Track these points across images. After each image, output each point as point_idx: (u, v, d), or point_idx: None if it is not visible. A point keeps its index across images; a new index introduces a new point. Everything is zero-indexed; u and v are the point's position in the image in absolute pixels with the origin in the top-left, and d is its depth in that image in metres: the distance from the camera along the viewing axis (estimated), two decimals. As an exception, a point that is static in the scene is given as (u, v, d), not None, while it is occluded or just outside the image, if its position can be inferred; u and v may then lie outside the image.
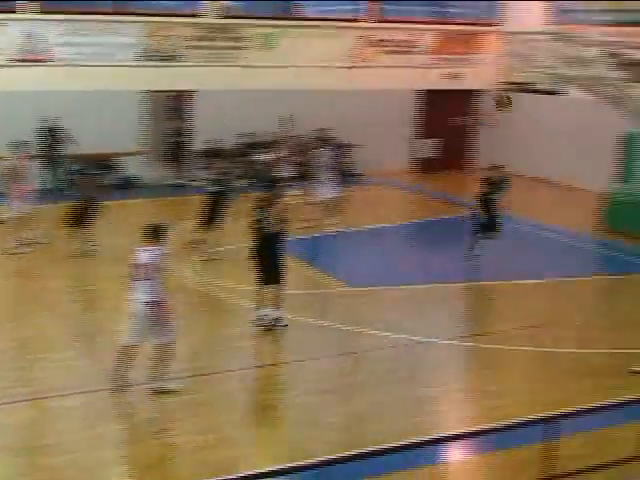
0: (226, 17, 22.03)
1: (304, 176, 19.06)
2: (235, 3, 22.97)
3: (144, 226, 9.56)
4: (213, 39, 21.87)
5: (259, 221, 11.61)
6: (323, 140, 19.75)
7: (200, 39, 21.73)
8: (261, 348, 11.26)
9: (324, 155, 17.96)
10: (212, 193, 15.13)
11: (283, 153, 21.07)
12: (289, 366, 10.77)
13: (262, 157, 22.10)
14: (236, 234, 14.85)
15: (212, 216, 15.02)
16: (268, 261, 11.62)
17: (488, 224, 15.18)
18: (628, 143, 17.86)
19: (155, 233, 9.48)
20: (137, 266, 9.35)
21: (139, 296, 9.35)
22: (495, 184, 15.26)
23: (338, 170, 18.30)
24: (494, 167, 15.55)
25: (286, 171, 20.43)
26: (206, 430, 8.86)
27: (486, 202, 15.18)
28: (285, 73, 22.31)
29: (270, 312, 11.64)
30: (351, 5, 24.18)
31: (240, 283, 13.25)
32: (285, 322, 11.72)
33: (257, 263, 11.68)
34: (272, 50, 22.48)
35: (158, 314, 9.33)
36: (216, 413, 9.34)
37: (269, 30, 22.41)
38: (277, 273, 11.64)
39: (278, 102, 22.00)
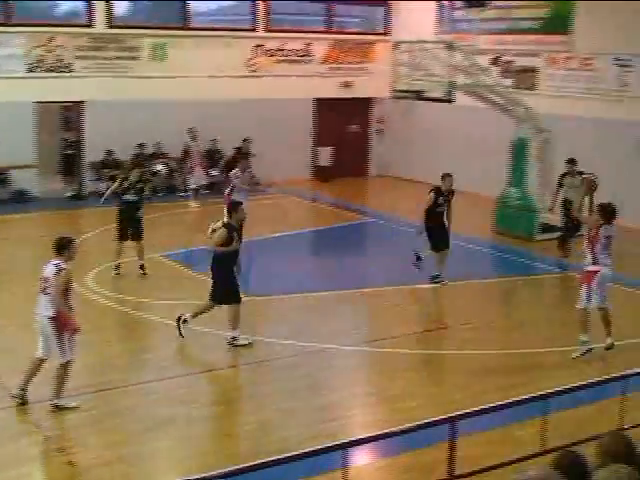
0: (117, 27, 21.75)
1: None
2: (127, 13, 22.80)
3: (54, 239, 9.43)
4: (104, 49, 21.55)
5: None
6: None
7: (90, 49, 21.38)
8: (165, 361, 11.12)
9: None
10: (126, 204, 14.73)
11: (190, 163, 21.04)
12: (193, 378, 10.67)
13: (160, 167, 21.97)
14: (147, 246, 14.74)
15: (124, 228, 14.72)
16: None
17: (439, 238, 14.62)
18: (514, 149, 18.40)
19: (59, 246, 9.35)
20: (43, 279, 9.25)
21: (42, 310, 9.24)
22: (444, 195, 14.69)
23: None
24: (446, 175, 14.89)
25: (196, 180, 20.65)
26: (109, 446, 8.72)
27: (437, 215, 14.64)
28: (179, 83, 22.17)
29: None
30: (244, 15, 24.21)
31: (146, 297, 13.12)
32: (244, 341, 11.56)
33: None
34: (163, 60, 22.30)
35: (58, 329, 9.18)
36: (119, 428, 9.20)
37: (160, 40, 22.22)
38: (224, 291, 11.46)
39: (173, 112, 21.86)
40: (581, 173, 16.50)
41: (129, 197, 14.65)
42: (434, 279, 14.67)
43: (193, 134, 21.15)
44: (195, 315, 11.59)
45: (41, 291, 9.30)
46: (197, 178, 21.08)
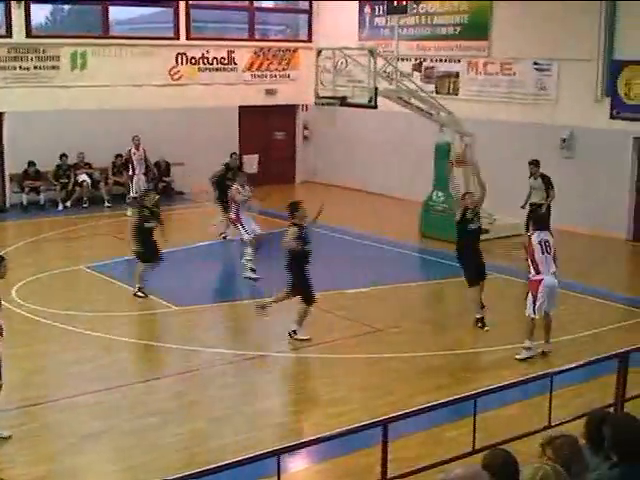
0: (35, 37, 21.40)
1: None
2: (46, 22, 22.47)
3: None
4: (22, 59, 21.18)
5: None
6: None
7: (9, 59, 20.99)
8: (92, 373, 10.96)
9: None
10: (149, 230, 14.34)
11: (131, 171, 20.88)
12: (122, 389, 10.54)
13: (84, 178, 21.68)
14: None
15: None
16: None
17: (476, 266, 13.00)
18: (437, 153, 18.65)
19: None
20: None
21: None
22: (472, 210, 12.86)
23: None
24: (467, 194, 13.54)
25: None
26: (38, 461, 8.56)
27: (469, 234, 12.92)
28: (101, 93, 21.92)
29: None
30: (165, 24, 24.06)
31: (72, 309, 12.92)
32: None
33: None
34: (84, 70, 22.02)
35: None
36: (48, 443, 9.04)
37: (80, 49, 21.92)
38: None
39: (96, 122, 21.63)
40: (543, 175, 16.86)
41: (152, 224, 14.28)
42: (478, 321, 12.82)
43: (136, 142, 20.91)
44: (299, 321, 12.14)
45: None
46: (137, 186, 20.83)
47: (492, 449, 5.35)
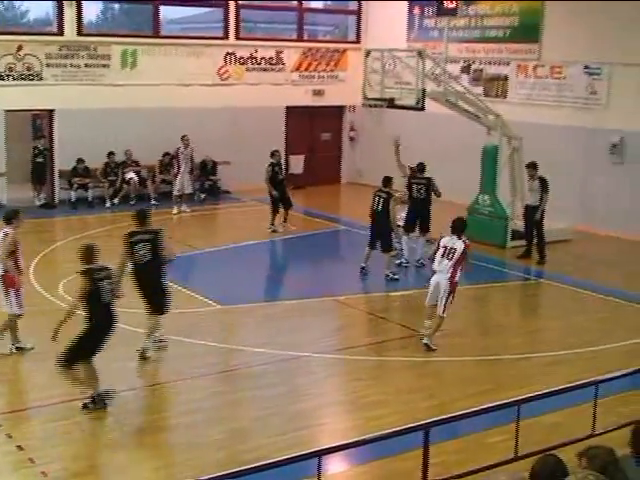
0: (87, 35, 21.64)
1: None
2: (97, 20, 22.72)
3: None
4: (74, 57, 21.42)
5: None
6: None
7: (60, 57, 21.24)
8: (135, 370, 11.04)
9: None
10: None
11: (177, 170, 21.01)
12: (164, 387, 10.62)
13: (131, 175, 21.88)
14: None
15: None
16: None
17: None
18: (484, 156, 18.50)
19: (8, 217, 11.29)
20: None
21: None
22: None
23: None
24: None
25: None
26: (79, 457, 8.65)
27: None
28: (149, 91, 22.10)
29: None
30: (215, 24, 24.20)
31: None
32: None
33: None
34: (134, 68, 22.22)
35: (5, 286, 11.02)
36: (88, 439, 9.12)
37: (130, 48, 22.13)
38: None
39: (144, 120, 21.82)
40: (541, 178, 16.74)
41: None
42: None
43: (186, 141, 21.04)
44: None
45: None
46: (181, 185, 20.96)
47: (543, 455, 5.29)
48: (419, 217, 16.46)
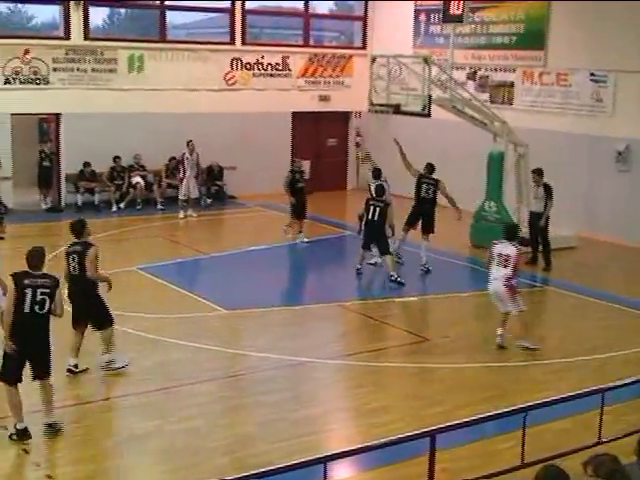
0: (93, 39, 21.68)
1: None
2: (104, 25, 22.77)
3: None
4: (80, 61, 21.46)
5: None
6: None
7: (67, 61, 21.29)
8: (140, 374, 11.03)
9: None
10: None
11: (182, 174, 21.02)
12: (171, 391, 10.61)
13: (138, 180, 21.91)
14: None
15: None
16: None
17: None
18: (490, 163, 18.50)
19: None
20: None
21: None
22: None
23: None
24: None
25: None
26: (86, 460, 8.64)
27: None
28: (156, 96, 22.15)
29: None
30: (221, 29, 24.24)
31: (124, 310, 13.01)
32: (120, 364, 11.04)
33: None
34: (140, 73, 22.26)
35: None
36: (95, 442, 9.11)
37: (137, 52, 22.17)
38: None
39: (150, 125, 21.87)
40: (546, 185, 16.75)
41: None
42: None
43: (191, 147, 21.03)
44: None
45: None
46: (187, 190, 20.97)
47: (545, 465, 5.28)
48: (424, 217, 16.51)
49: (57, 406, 9.46)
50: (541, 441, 8.32)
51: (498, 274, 11.93)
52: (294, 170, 18.99)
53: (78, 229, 10.94)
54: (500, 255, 11.95)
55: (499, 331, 12.22)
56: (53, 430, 9.07)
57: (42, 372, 9.12)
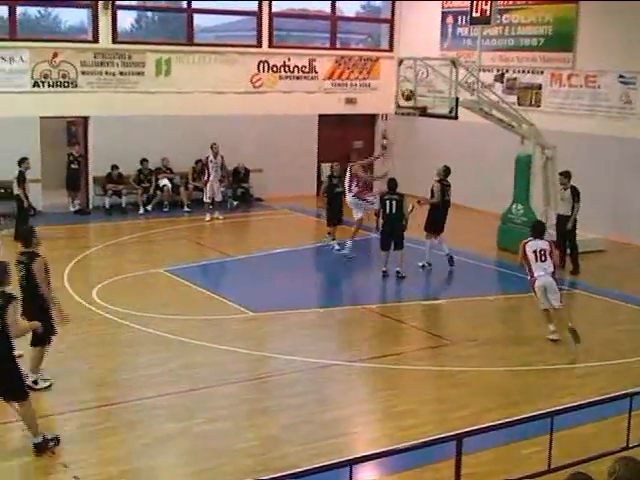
0: (121, 42, 21.82)
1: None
2: (132, 28, 22.91)
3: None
4: (108, 64, 21.60)
5: None
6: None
7: (95, 64, 21.43)
8: (166, 376, 11.06)
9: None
10: None
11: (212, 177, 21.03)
12: (195, 393, 10.63)
13: (165, 182, 22.01)
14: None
15: None
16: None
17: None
18: (518, 165, 18.40)
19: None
20: None
21: None
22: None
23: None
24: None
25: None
26: (112, 461, 8.68)
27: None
28: (183, 99, 22.26)
29: None
30: (248, 32, 24.31)
31: (150, 312, 13.07)
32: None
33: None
34: (168, 76, 22.36)
35: None
36: (121, 444, 9.15)
37: (164, 56, 22.28)
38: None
39: (178, 128, 21.98)
40: (573, 187, 16.64)
41: None
42: None
43: (215, 150, 21.08)
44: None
45: None
46: (211, 192, 21.02)
47: (573, 472, 5.23)
48: (442, 219, 16.67)
49: (83, 407, 9.53)
50: (567, 446, 8.26)
51: (543, 268, 12.22)
52: (332, 175, 18.84)
53: (25, 237, 10.17)
54: (535, 252, 12.24)
55: (551, 327, 12.47)
56: (43, 447, 8.68)
57: (10, 397, 8.59)
